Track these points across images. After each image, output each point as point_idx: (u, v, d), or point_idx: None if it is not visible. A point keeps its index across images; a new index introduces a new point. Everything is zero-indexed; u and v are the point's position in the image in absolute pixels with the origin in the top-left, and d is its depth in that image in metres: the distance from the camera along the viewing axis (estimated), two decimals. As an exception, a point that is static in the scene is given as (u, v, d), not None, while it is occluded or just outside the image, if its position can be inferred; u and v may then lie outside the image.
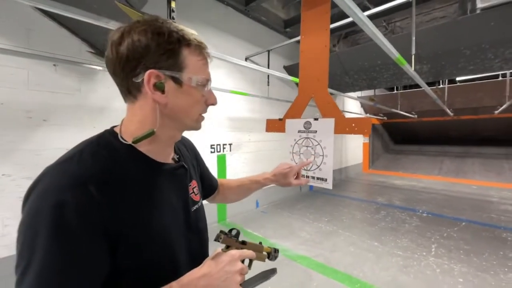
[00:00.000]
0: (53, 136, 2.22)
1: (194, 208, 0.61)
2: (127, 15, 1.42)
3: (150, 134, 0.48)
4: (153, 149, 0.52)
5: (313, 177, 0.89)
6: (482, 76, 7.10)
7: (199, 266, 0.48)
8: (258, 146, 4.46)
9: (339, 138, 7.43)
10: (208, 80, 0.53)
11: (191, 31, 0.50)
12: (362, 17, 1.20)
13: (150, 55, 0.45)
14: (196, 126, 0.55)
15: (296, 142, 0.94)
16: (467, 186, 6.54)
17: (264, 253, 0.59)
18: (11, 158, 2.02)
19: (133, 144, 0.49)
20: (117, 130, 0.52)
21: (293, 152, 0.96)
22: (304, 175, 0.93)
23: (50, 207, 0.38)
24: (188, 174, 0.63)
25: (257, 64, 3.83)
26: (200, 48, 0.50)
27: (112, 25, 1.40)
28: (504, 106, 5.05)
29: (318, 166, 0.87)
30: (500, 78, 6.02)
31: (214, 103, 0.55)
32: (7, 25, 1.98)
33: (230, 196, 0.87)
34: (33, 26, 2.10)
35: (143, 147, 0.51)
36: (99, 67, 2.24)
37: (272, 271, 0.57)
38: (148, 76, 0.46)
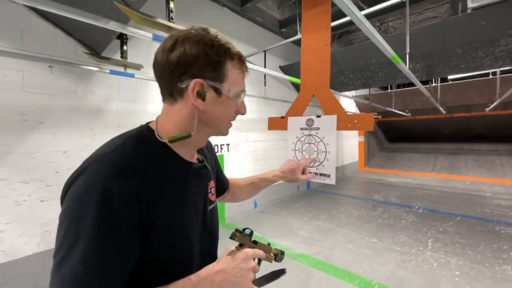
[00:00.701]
0: (49, 138, 2.19)
1: (210, 207, 0.63)
2: (125, 14, 1.41)
3: (187, 136, 0.51)
4: (184, 150, 0.56)
5: (316, 173, 0.91)
6: (473, 75, 7.26)
7: (215, 262, 0.50)
8: (255, 146, 4.48)
9: (336, 137, 7.50)
10: (243, 91, 0.56)
11: (234, 45, 0.53)
12: (360, 16, 1.22)
13: (198, 65, 0.49)
14: (225, 133, 0.59)
15: (298, 140, 0.96)
16: (460, 182, 6.68)
17: (272, 254, 0.61)
18: (6, 162, 1.99)
19: (168, 143, 0.52)
20: (153, 126, 0.54)
21: (295, 150, 0.97)
22: (308, 171, 0.94)
23: (97, 194, 0.40)
24: (209, 173, 0.65)
25: (253, 64, 3.84)
26: (241, 62, 0.54)
27: (112, 26, 1.40)
28: (494, 104, 5.17)
29: (321, 163, 0.89)
30: (491, 76, 6.17)
31: (243, 113, 0.59)
32: (0, 26, 1.95)
33: (240, 195, 0.88)
34: (27, 27, 2.07)
35: (175, 147, 0.54)
36: (95, 68, 2.22)
37: (282, 271, 0.59)
38: (194, 84, 0.49)
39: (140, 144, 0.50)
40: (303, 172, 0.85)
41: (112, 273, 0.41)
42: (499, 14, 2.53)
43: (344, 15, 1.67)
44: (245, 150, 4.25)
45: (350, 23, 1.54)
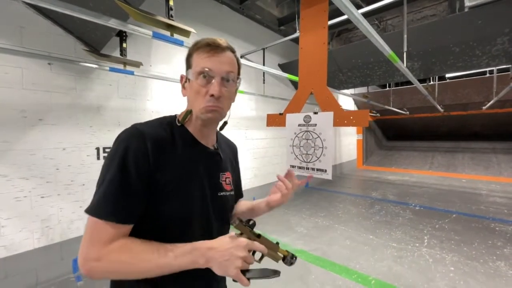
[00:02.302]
0: (48, 135, 2.20)
1: (221, 194, 0.70)
2: (124, 12, 1.42)
3: (187, 113, 0.65)
4: (198, 133, 0.68)
5: (313, 169, 0.93)
6: (470, 73, 7.31)
7: (213, 240, 0.56)
8: (254, 144, 4.50)
9: (334, 135, 7.54)
10: (202, 71, 0.61)
11: (216, 38, 0.64)
12: (357, 15, 1.24)
13: (186, 64, 0.67)
14: (203, 117, 0.64)
15: (296, 136, 0.98)
16: (457, 180, 6.75)
17: (280, 254, 0.61)
18: (7, 158, 2.00)
19: (183, 125, 0.67)
20: (178, 116, 0.69)
21: (293, 145, 1.00)
22: (304, 167, 0.97)
23: (121, 149, 0.56)
24: (223, 163, 0.73)
25: (252, 62, 3.85)
26: (207, 47, 0.62)
27: (113, 23, 1.41)
28: (491, 102, 5.22)
29: (318, 158, 0.91)
30: (488, 75, 6.21)
31: (211, 92, 0.61)
32: (-1, 23, 1.95)
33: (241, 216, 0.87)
34: (26, 24, 2.07)
35: (192, 129, 0.67)
36: (95, 65, 2.23)
37: (275, 272, 0.57)
38: (180, 78, 0.69)
39: (164, 124, 0.65)
40: (292, 185, 0.79)
41: (122, 204, 0.54)
42: (495, 13, 2.56)
43: (342, 13, 1.68)
44: (244, 148, 4.27)
45: (349, 21, 1.55)
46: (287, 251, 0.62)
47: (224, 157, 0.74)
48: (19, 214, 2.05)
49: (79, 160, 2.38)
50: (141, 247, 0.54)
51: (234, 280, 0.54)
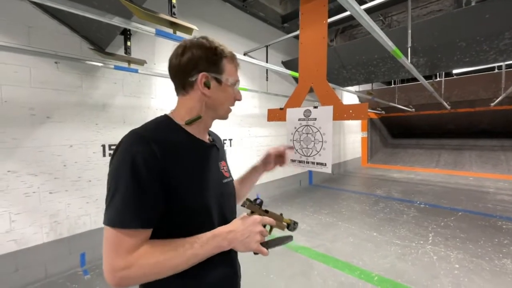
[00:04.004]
0: (56, 133, 2.25)
1: (225, 181, 0.75)
2: (128, 10, 1.45)
3: (198, 118, 0.67)
4: (196, 131, 0.70)
5: (313, 162, 0.94)
6: (478, 69, 7.16)
7: (229, 224, 0.62)
8: (258, 141, 4.51)
9: (338, 133, 7.49)
10: (237, 80, 0.71)
11: (227, 47, 0.69)
12: (358, 9, 1.24)
13: (202, 63, 0.65)
14: (225, 116, 0.73)
15: (296, 130, 0.99)
16: (464, 177, 6.65)
17: (284, 223, 0.69)
18: (16, 155, 2.06)
19: (184, 126, 0.67)
20: (170, 115, 0.69)
21: (293, 140, 1.01)
22: (304, 161, 0.98)
23: (128, 157, 0.55)
24: (220, 153, 0.78)
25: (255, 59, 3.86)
26: (233, 58, 0.70)
27: (117, 21, 1.43)
28: (499, 98, 5.11)
29: (318, 152, 0.92)
30: (496, 71, 6.08)
31: (240, 98, 0.73)
32: (7, 23, 2.00)
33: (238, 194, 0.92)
34: (33, 24, 2.12)
35: (188, 128, 0.68)
36: (100, 63, 2.27)
37: (288, 238, 0.66)
38: (201, 77, 0.65)
39: (160, 124, 0.65)
40: (284, 161, 0.93)
41: (142, 208, 0.54)
42: (503, 6, 2.51)
43: (345, 9, 1.68)
44: (247, 145, 4.29)
45: (352, 17, 1.55)
46: (290, 219, 0.71)
47: (220, 147, 0.80)
48: (28, 209, 2.12)
49: (86, 157, 2.43)
50: (166, 246, 0.56)
51: (255, 253, 0.61)
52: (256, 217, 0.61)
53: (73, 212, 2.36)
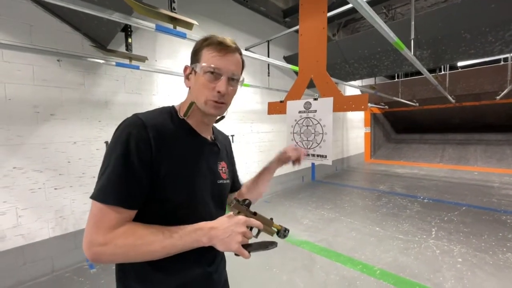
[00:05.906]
0: (60, 130, 2.28)
1: (219, 182, 0.73)
2: (128, 6, 1.44)
3: (191, 105, 0.67)
4: (196, 125, 0.70)
5: (313, 155, 0.94)
6: (483, 61, 7.03)
7: (213, 220, 0.60)
8: (260, 137, 4.51)
9: (341, 128, 7.45)
10: (212, 67, 0.64)
11: (225, 37, 0.66)
12: (359, 0, 1.22)
13: (191, 56, 0.69)
14: (206, 109, 0.67)
15: (296, 122, 0.99)
16: (468, 172, 6.58)
17: (274, 228, 0.66)
18: (21, 152, 2.09)
19: (184, 118, 0.69)
20: (177, 107, 0.72)
21: (293, 132, 1.01)
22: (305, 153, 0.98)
23: (123, 136, 0.57)
24: (220, 153, 0.77)
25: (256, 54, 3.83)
26: (218, 45, 0.64)
27: (117, 17, 1.43)
28: (505, 91, 5.02)
29: (318, 144, 0.92)
30: (502, 63, 5.96)
31: (219, 89, 0.65)
32: (9, 21, 2.01)
33: (250, 196, 0.92)
34: (35, 22, 2.13)
35: (191, 122, 0.69)
36: (102, 60, 2.27)
37: (272, 243, 0.62)
38: (184, 69, 0.69)
39: (163, 113, 0.67)
40: (298, 160, 0.92)
41: (125, 189, 0.55)
42: (509, -4, 2.44)
43: (346, 2, 1.65)
44: (249, 141, 4.29)
45: (355, 10, 1.52)
46: (280, 225, 0.67)
47: (221, 147, 0.78)
48: (34, 205, 2.15)
49: (89, 153, 2.46)
50: (146, 230, 0.56)
51: (236, 254, 0.58)
52: (241, 217, 0.59)
53: (78, 207, 2.40)
